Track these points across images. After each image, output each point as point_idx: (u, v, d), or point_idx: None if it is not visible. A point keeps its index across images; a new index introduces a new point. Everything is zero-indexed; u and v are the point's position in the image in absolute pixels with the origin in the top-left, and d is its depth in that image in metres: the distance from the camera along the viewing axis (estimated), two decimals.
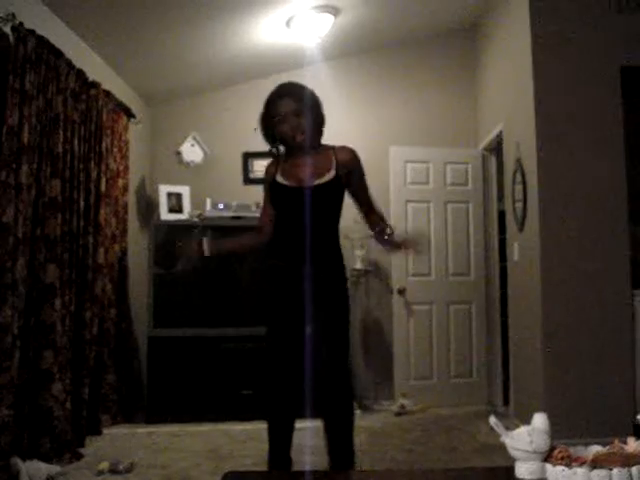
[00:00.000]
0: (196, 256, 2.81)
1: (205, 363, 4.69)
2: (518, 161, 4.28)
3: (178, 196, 5.20)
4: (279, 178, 2.78)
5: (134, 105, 5.13)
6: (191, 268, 2.90)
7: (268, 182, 2.85)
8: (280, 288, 2.78)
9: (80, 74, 4.04)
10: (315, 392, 2.73)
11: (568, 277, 3.86)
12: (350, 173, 2.77)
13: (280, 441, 2.73)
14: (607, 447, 1.70)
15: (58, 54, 3.70)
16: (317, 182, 2.71)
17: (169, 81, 5.38)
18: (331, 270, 2.78)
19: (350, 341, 2.83)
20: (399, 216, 5.28)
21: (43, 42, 3.51)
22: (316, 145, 2.80)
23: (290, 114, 2.70)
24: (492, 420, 1.78)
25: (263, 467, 2.78)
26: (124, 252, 4.85)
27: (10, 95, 3.24)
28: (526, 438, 1.67)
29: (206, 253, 2.78)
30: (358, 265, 5.21)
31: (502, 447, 1.75)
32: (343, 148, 2.80)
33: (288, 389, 2.72)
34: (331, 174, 2.72)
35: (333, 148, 2.80)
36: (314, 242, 2.68)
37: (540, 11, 4.01)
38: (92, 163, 4.26)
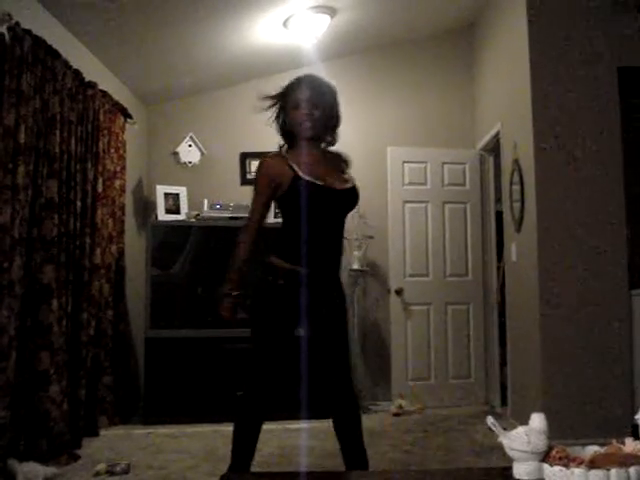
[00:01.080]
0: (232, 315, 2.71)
1: (202, 364, 4.68)
2: (516, 161, 4.28)
3: (175, 197, 5.20)
4: (306, 176, 2.55)
5: (131, 105, 5.12)
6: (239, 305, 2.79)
7: (286, 179, 2.56)
8: (300, 295, 2.60)
9: (77, 74, 4.03)
10: (318, 394, 2.72)
11: (566, 277, 3.86)
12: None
13: (251, 444, 2.66)
14: (605, 447, 1.70)
15: (55, 54, 3.69)
16: (347, 186, 2.65)
17: (166, 81, 5.38)
18: (339, 275, 2.76)
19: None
20: (397, 217, 5.29)
21: (39, 42, 3.50)
22: (325, 143, 2.72)
23: (305, 102, 2.60)
24: (490, 420, 1.78)
25: (260, 468, 2.78)
26: (121, 253, 4.83)
27: (6, 95, 3.22)
28: (523, 438, 1.66)
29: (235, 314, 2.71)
30: (356, 266, 5.21)
31: (500, 448, 1.74)
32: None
33: (273, 392, 2.68)
34: (353, 181, 2.69)
35: (338, 155, 2.76)
36: (338, 248, 2.68)
37: (537, 11, 4.01)
38: (89, 164, 4.25)
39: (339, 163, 2.74)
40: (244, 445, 2.64)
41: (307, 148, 2.65)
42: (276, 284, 2.59)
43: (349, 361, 2.76)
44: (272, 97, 2.68)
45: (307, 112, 2.60)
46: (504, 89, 4.69)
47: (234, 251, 2.65)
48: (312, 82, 2.67)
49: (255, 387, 2.68)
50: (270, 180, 2.61)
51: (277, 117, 2.70)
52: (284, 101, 2.66)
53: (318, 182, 2.55)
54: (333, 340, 2.68)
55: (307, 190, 2.53)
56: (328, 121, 2.67)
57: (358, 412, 2.70)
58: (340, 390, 2.67)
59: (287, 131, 2.69)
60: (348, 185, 2.65)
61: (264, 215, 2.69)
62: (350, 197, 2.66)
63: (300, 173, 2.55)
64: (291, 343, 2.66)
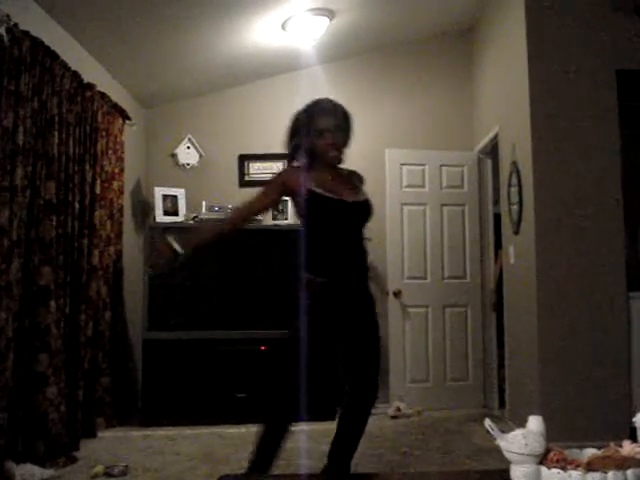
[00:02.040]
0: (170, 257, 2.65)
1: (200, 366, 4.67)
2: (514, 164, 4.28)
3: (174, 198, 5.20)
4: (322, 191, 2.70)
5: (129, 107, 5.12)
6: (174, 269, 2.88)
7: (302, 191, 2.71)
8: (335, 306, 2.75)
9: (75, 76, 4.03)
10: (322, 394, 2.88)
11: (564, 280, 3.86)
12: None
13: (277, 448, 2.72)
14: (602, 450, 1.70)
15: (53, 56, 3.69)
16: (360, 199, 2.82)
17: (164, 83, 5.38)
18: (367, 281, 2.89)
19: None
20: (395, 219, 5.29)
21: (38, 44, 3.50)
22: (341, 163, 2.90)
23: (329, 130, 2.75)
24: (487, 423, 1.78)
25: None
26: (119, 254, 4.83)
27: (5, 97, 3.22)
28: (521, 441, 1.66)
29: (179, 250, 2.64)
30: None
31: (497, 450, 1.74)
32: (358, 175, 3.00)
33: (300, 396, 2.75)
34: (366, 195, 2.88)
35: (354, 172, 2.98)
36: (362, 257, 2.82)
37: (536, 14, 4.02)
38: (87, 165, 4.25)
39: (355, 180, 2.94)
40: (270, 449, 2.72)
41: (328, 168, 2.81)
42: (312, 295, 2.71)
43: (379, 360, 2.94)
44: (294, 123, 2.81)
45: (333, 142, 2.76)
46: (502, 91, 4.69)
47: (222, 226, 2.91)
48: (333, 109, 2.81)
49: (288, 393, 2.72)
50: (283, 188, 2.78)
51: (293, 137, 2.82)
52: (307, 126, 2.76)
53: (335, 197, 2.70)
54: (369, 341, 2.86)
55: (325, 205, 2.70)
56: (348, 145, 2.87)
57: (373, 401, 2.91)
58: (368, 382, 2.85)
59: (307, 151, 2.78)
60: (361, 198, 2.83)
61: (258, 211, 2.86)
62: (364, 209, 2.83)
63: (315, 188, 2.69)
64: (332, 349, 2.83)
